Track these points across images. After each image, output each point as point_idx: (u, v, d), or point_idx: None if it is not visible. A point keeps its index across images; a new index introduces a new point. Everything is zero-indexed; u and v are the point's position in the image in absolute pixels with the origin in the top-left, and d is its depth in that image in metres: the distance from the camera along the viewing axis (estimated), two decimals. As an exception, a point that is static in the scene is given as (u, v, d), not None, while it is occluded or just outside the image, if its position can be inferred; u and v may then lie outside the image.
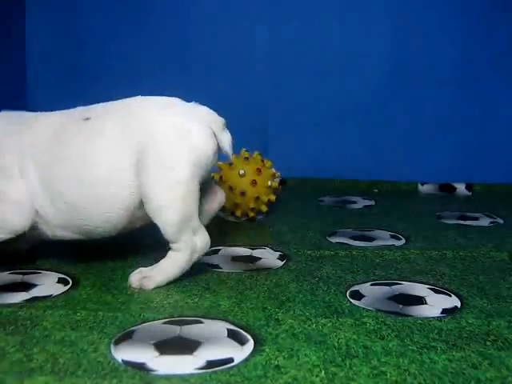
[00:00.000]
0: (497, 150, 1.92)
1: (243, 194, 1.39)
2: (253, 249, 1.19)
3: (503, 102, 1.90)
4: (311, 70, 1.93)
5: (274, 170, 1.45)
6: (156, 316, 0.83)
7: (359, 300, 0.91)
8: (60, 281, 0.99)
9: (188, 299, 0.90)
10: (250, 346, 0.75)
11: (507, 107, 1.90)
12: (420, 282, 1.01)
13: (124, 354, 0.72)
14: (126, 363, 0.69)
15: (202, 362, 0.70)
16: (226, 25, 1.93)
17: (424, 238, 1.29)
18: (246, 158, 1.43)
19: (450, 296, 0.94)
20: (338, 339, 0.77)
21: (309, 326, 0.81)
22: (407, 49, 1.90)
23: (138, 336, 0.77)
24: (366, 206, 1.64)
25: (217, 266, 1.08)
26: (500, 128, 1.91)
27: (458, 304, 0.90)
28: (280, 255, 1.15)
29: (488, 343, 0.76)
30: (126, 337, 0.76)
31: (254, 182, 1.39)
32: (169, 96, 1.15)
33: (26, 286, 0.95)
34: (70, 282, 0.98)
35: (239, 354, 0.72)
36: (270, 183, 1.42)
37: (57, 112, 1.07)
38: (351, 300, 0.91)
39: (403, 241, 1.26)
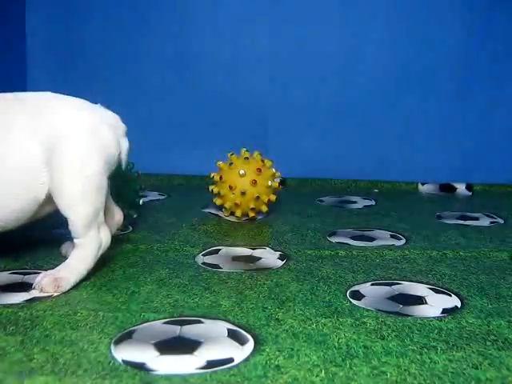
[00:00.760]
0: (497, 150, 1.92)
1: (243, 193, 1.39)
2: (253, 249, 1.19)
3: (503, 103, 1.90)
4: (311, 70, 1.93)
5: (274, 170, 1.45)
6: (156, 316, 0.83)
7: (359, 300, 0.91)
8: (60, 281, 0.98)
9: (188, 299, 0.90)
10: (250, 345, 0.75)
11: (507, 108, 1.91)
12: (420, 281, 1.01)
13: (124, 353, 0.72)
14: (126, 363, 0.69)
15: (202, 362, 0.70)
16: (227, 25, 1.94)
17: (424, 237, 1.29)
18: (246, 158, 1.43)
19: (450, 296, 0.94)
20: (339, 339, 0.77)
21: (309, 325, 0.81)
22: (407, 49, 1.90)
23: (138, 336, 0.77)
24: (366, 206, 1.64)
25: (217, 266, 1.08)
26: (500, 128, 1.91)
27: (459, 304, 0.90)
28: (280, 255, 1.15)
29: (488, 343, 0.76)
30: (126, 337, 0.76)
31: (254, 182, 1.39)
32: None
33: (27, 287, 0.95)
34: (71, 282, 0.97)
35: (239, 353, 0.72)
36: (270, 183, 1.42)
37: None
38: (351, 300, 0.91)
39: (403, 241, 1.26)
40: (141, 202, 1.30)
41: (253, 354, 0.72)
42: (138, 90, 1.99)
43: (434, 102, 1.92)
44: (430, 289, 0.97)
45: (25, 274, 1.02)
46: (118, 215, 1.15)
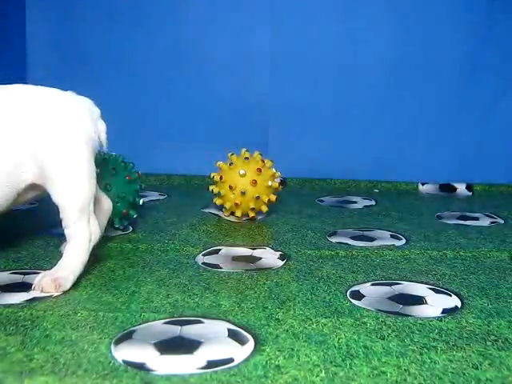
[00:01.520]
0: (497, 151, 1.92)
1: (243, 193, 1.39)
2: (253, 249, 1.19)
3: (503, 103, 1.90)
4: (312, 70, 1.93)
5: (274, 170, 1.45)
6: (156, 316, 0.83)
7: (359, 300, 0.91)
8: (60, 281, 0.98)
9: (188, 299, 0.90)
10: (250, 345, 0.75)
11: (507, 107, 1.91)
12: (420, 282, 1.01)
13: (124, 354, 0.72)
14: (127, 363, 0.69)
15: (202, 362, 0.70)
16: (227, 25, 1.94)
17: (424, 237, 1.29)
18: (247, 158, 1.43)
19: (451, 296, 0.94)
20: (339, 339, 0.77)
21: (309, 325, 0.81)
22: (407, 50, 1.90)
23: (139, 336, 0.77)
24: (366, 206, 1.64)
25: (217, 266, 1.08)
26: (500, 128, 1.91)
27: (459, 304, 0.90)
28: (280, 255, 1.15)
29: (488, 343, 0.77)
30: (126, 337, 0.76)
31: (254, 182, 1.39)
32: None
33: (27, 287, 0.95)
34: (71, 283, 0.97)
35: (239, 353, 0.72)
36: (270, 183, 1.42)
37: None
38: (351, 300, 0.91)
39: (403, 241, 1.26)
40: (141, 202, 1.29)
41: (253, 354, 0.72)
42: (138, 90, 1.99)
43: (433, 103, 1.92)
44: (430, 289, 0.97)
45: (25, 274, 1.02)
46: (106, 204, 1.15)
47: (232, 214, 1.45)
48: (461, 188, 1.89)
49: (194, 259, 1.12)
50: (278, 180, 1.47)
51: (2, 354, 0.71)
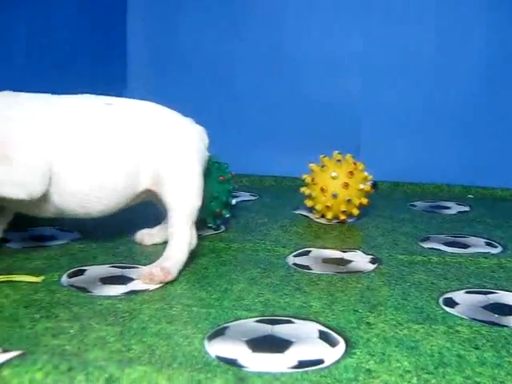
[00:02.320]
0: None
1: (335, 196, 1.39)
2: (344, 251, 1.19)
3: None
4: (405, 72, 1.90)
5: (366, 173, 1.44)
6: (248, 314, 0.85)
7: (452, 307, 0.90)
8: (156, 276, 1.02)
9: (279, 299, 0.92)
10: (341, 348, 0.75)
11: None
12: (517, 291, 0.98)
13: (217, 349, 0.73)
14: (219, 358, 0.71)
15: (293, 362, 0.71)
16: (319, 27, 1.94)
17: (522, 246, 1.25)
18: (339, 161, 1.43)
19: (550, 308, 0.91)
20: (431, 346, 0.76)
21: (400, 331, 0.81)
22: (501, 53, 1.83)
23: (231, 333, 0.78)
24: (460, 212, 1.60)
25: (307, 267, 1.08)
26: None
27: (559, 316, 0.87)
28: (371, 259, 1.14)
29: None
30: (219, 333, 0.78)
31: (345, 185, 1.38)
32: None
33: (125, 280, 0.99)
34: (166, 278, 1.01)
35: (330, 355, 0.73)
36: (361, 186, 1.41)
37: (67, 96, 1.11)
38: (444, 307, 0.90)
39: (500, 249, 1.23)
40: (234, 202, 1.32)
41: (343, 356, 0.73)
42: (232, 91, 2.02)
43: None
44: (528, 299, 0.94)
45: (123, 268, 1.06)
46: None
47: (323, 216, 1.45)
48: (562, 196, 1.81)
49: (285, 260, 1.13)
50: (370, 183, 1.46)
51: (103, 343, 0.75)
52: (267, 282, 0.99)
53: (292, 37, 1.96)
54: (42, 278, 0.98)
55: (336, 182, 1.39)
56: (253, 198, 1.73)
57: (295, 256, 1.15)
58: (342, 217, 1.42)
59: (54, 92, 1.11)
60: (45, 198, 1.02)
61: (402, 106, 1.92)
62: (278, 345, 0.75)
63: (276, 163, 1.97)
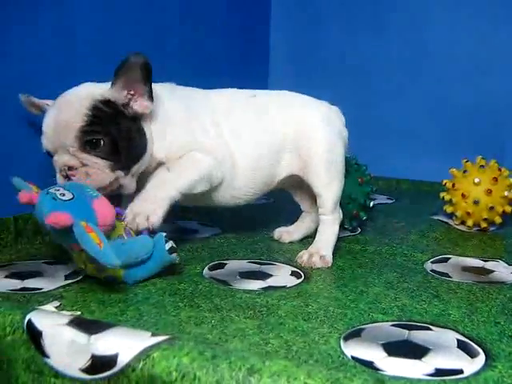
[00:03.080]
0: None
1: (476, 202, 1.34)
2: (485, 261, 1.15)
3: None
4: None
5: (511, 180, 1.38)
6: (384, 317, 0.85)
7: None
8: (293, 274, 1.04)
9: (416, 304, 0.90)
10: (480, 359, 0.73)
11: None
12: None
13: (353, 350, 0.74)
14: (355, 359, 0.71)
15: (430, 369, 0.70)
16: (465, 27, 1.88)
17: None
18: (482, 166, 1.38)
19: None
20: None
21: (546, 347, 0.77)
22: None
23: (367, 335, 0.79)
24: None
25: (446, 275, 1.06)
26: None
27: None
28: (515, 270, 1.10)
29: None
30: (355, 334, 0.79)
31: (488, 192, 1.34)
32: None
33: (263, 276, 1.02)
34: (303, 276, 1.03)
35: (469, 366, 0.71)
36: (506, 193, 1.35)
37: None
38: None
39: None
40: (371, 204, 1.32)
41: (483, 368, 0.70)
42: (370, 93, 2.01)
43: None
44: None
45: (261, 264, 1.09)
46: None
47: (463, 223, 1.41)
48: None
49: (423, 265, 1.11)
50: (515, 191, 1.40)
51: (242, 334, 0.78)
52: (404, 287, 0.98)
53: (434, 38, 1.92)
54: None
55: (478, 189, 1.35)
56: (389, 201, 1.71)
57: (433, 262, 1.13)
58: (484, 224, 1.37)
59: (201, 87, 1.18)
60: (209, 192, 1.10)
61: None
62: (414, 351, 0.74)
63: (414, 167, 1.93)
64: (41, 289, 0.92)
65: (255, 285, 0.97)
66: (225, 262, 1.10)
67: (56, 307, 0.82)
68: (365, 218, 1.31)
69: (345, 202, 1.26)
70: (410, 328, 0.81)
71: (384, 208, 1.61)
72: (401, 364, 0.71)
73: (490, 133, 1.87)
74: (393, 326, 0.82)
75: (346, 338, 0.77)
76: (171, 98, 1.08)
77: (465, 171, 1.39)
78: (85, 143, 0.96)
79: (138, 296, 0.90)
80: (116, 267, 0.85)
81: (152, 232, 0.97)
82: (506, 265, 1.13)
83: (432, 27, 1.92)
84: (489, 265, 1.12)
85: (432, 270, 1.08)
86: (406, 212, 1.56)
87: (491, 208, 1.34)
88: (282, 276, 1.03)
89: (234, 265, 1.08)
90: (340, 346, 0.75)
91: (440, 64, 1.92)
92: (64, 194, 0.88)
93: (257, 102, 1.17)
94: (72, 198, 0.88)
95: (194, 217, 1.43)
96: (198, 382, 0.60)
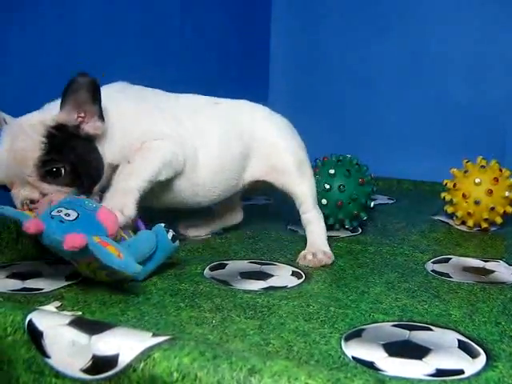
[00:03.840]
0: None
1: (477, 203, 1.34)
2: (485, 261, 1.15)
3: None
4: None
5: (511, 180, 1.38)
6: (385, 317, 0.85)
7: None
8: (293, 274, 1.04)
9: (417, 304, 0.90)
10: (481, 360, 0.73)
11: None
12: None
13: (354, 350, 0.74)
14: (356, 360, 0.71)
15: (431, 369, 0.70)
16: (467, 28, 1.88)
17: None
18: (483, 167, 1.38)
19: None
20: None
21: (547, 347, 0.77)
22: None
23: (368, 335, 0.79)
24: None
25: (446, 275, 1.06)
26: None
27: None
28: (515, 270, 1.10)
29: None
30: (355, 334, 0.79)
31: (489, 192, 1.33)
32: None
33: (264, 276, 1.02)
34: (303, 277, 1.03)
35: (470, 366, 0.71)
36: (507, 194, 1.35)
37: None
38: None
39: None
40: (372, 204, 1.31)
41: (484, 368, 0.70)
42: (372, 93, 2.01)
43: None
44: None
45: (262, 264, 1.09)
46: (239, 216, 1.34)
47: (463, 223, 1.41)
48: None
49: (423, 266, 1.11)
50: (516, 191, 1.40)
51: (243, 335, 0.78)
52: (405, 287, 0.98)
53: (435, 38, 1.92)
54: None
55: (479, 189, 1.35)
56: (390, 201, 1.71)
57: (434, 262, 1.13)
58: (484, 225, 1.37)
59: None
60: (171, 185, 1.09)
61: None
62: (415, 351, 0.74)
63: (414, 167, 1.93)
64: (42, 289, 0.92)
65: (256, 285, 0.97)
66: (226, 262, 1.10)
67: (57, 307, 0.82)
68: (365, 218, 1.31)
69: (346, 202, 1.26)
70: (410, 328, 0.81)
71: (385, 208, 1.61)
72: (402, 364, 0.71)
73: (490, 133, 1.87)
74: (394, 326, 0.82)
75: (347, 339, 0.77)
76: (121, 99, 1.07)
77: (466, 171, 1.39)
78: (45, 173, 0.93)
79: (139, 296, 0.90)
80: (139, 273, 0.85)
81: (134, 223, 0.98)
82: (506, 265, 1.13)
83: (433, 27, 1.92)
84: (489, 265, 1.12)
85: (433, 270, 1.08)
86: (407, 212, 1.56)
87: (492, 208, 1.34)
88: (282, 276, 1.03)
89: (234, 265, 1.08)
90: (341, 347, 0.75)
91: (441, 64, 1.92)
92: (69, 214, 0.87)
93: (220, 108, 1.19)
94: (78, 216, 0.87)
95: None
96: (199, 383, 0.60)
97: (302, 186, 1.18)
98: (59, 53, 1.22)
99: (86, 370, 0.66)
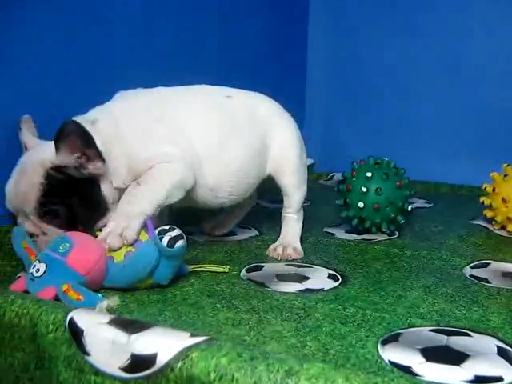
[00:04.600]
0: None
1: (518, 207, 1.32)
2: (526, 266, 1.13)
3: None
4: None
5: (551, 185, 1.35)
6: (423, 322, 0.84)
7: None
8: (330, 276, 1.04)
9: (455, 310, 0.89)
10: (521, 367, 0.72)
11: None
12: None
13: (391, 355, 0.74)
14: (393, 364, 0.71)
15: (469, 376, 0.69)
16: (504, 28, 1.85)
17: None
18: (524, 171, 1.36)
19: None
20: None
21: None
22: None
23: (405, 340, 0.78)
24: None
25: (485, 280, 1.04)
26: None
27: None
28: (557, 277, 1.08)
29: None
30: (392, 338, 0.78)
31: (530, 196, 1.31)
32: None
33: (300, 278, 1.02)
34: (340, 279, 1.02)
35: (509, 373, 0.70)
36: (548, 198, 1.33)
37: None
38: None
39: None
40: (409, 208, 1.30)
41: (524, 376, 0.70)
42: (407, 95, 2.00)
43: None
44: None
45: (298, 266, 1.09)
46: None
47: (503, 228, 1.39)
48: None
49: (461, 271, 1.10)
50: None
51: (279, 337, 0.78)
52: (442, 292, 0.97)
53: (472, 40, 1.89)
54: (228, 267, 1.05)
55: (519, 193, 1.33)
56: (427, 205, 1.70)
57: (472, 267, 1.12)
58: (525, 230, 1.35)
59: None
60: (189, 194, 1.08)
61: None
62: (453, 356, 0.73)
63: (452, 171, 1.91)
64: (81, 288, 0.93)
65: (292, 287, 0.98)
66: (262, 264, 1.10)
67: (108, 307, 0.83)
68: (403, 221, 1.30)
69: (383, 205, 1.25)
70: (448, 333, 0.80)
71: (422, 212, 1.59)
72: (439, 370, 0.70)
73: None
74: (431, 331, 0.82)
75: (384, 343, 0.77)
76: (123, 122, 1.04)
77: (505, 175, 1.37)
78: (44, 213, 0.95)
79: (177, 297, 0.91)
80: (103, 303, 0.82)
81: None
82: (548, 271, 1.11)
83: (470, 29, 1.89)
84: (530, 271, 1.11)
85: (471, 275, 1.07)
86: (444, 216, 1.54)
87: (532, 213, 1.32)
88: (319, 279, 1.03)
89: (271, 267, 1.09)
90: (378, 351, 0.75)
91: (478, 66, 1.89)
92: (38, 269, 0.88)
93: (232, 103, 1.18)
94: (46, 269, 0.88)
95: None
96: (236, 383, 0.60)
97: (297, 191, 1.22)
98: (59, 53, 1.22)
99: (125, 369, 0.67)
